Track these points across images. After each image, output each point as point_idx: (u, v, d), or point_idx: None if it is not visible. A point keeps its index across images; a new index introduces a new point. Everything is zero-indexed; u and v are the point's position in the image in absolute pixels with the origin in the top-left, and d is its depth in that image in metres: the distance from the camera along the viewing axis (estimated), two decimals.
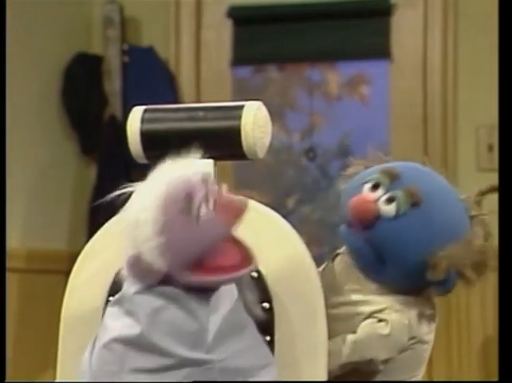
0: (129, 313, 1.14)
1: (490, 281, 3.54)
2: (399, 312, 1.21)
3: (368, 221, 1.18)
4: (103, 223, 1.33)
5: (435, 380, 2.95)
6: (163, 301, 1.12)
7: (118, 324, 1.14)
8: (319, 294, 1.25)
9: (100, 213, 2.56)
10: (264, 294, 1.24)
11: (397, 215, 1.18)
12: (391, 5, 3.26)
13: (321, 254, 3.26)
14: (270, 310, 1.24)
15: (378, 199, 1.19)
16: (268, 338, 1.23)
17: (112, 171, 3.21)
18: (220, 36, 3.40)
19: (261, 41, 3.38)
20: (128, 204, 1.15)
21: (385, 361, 1.21)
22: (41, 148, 3.20)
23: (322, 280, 1.26)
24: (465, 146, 3.18)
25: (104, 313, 1.26)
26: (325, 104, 3.38)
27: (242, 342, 1.15)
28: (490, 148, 3.16)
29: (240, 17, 3.39)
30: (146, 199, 1.14)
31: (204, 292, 1.14)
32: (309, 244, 1.30)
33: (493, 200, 3.05)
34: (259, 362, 1.16)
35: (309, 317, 1.24)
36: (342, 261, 1.27)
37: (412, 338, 1.22)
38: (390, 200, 1.19)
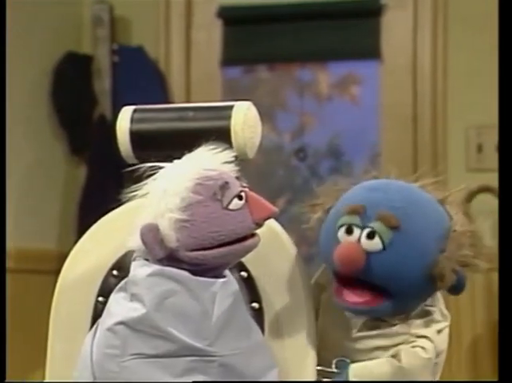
0: (135, 297, 1.14)
1: (479, 281, 3.55)
2: (423, 337, 1.20)
3: (360, 266, 1.15)
4: (92, 223, 1.33)
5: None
6: (171, 285, 1.13)
7: (123, 309, 1.14)
8: (308, 295, 1.25)
9: (89, 213, 2.55)
10: (253, 294, 1.24)
11: (385, 247, 1.15)
12: (382, 5, 3.26)
13: (311, 255, 3.26)
14: (260, 310, 1.24)
15: (358, 239, 1.17)
16: None
17: (102, 171, 3.21)
18: (210, 36, 3.40)
19: (251, 42, 3.38)
20: (157, 175, 1.16)
21: None
22: (31, 147, 3.19)
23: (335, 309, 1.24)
24: (454, 146, 3.18)
25: (93, 313, 1.26)
26: (316, 104, 3.38)
27: (247, 343, 1.16)
28: (479, 148, 3.17)
29: (230, 18, 3.38)
30: (179, 174, 1.15)
31: (211, 276, 1.14)
32: (299, 244, 1.30)
33: (481, 201, 3.05)
34: (261, 366, 1.16)
35: (299, 317, 1.24)
36: None
37: (436, 355, 1.22)
38: (371, 235, 1.16)
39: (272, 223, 1.26)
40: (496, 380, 1.37)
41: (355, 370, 1.21)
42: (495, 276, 3.03)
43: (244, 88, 3.45)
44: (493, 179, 3.07)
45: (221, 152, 1.17)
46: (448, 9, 3.20)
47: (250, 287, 1.24)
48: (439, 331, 1.22)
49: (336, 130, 3.36)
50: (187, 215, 1.12)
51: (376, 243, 1.15)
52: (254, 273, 1.25)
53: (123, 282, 1.18)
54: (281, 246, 1.26)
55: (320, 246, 1.23)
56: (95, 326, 1.19)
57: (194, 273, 1.14)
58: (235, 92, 3.39)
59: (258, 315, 1.24)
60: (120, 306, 1.15)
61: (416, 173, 1.26)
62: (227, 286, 1.16)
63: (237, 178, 1.17)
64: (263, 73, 3.46)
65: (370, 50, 3.28)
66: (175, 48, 3.40)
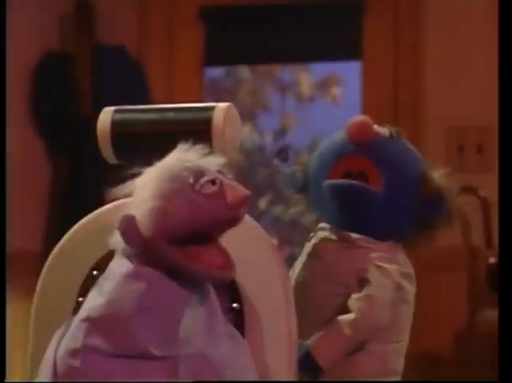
0: (104, 293, 1.14)
1: (460, 281, 3.57)
2: (381, 269, 1.28)
3: (367, 136, 1.32)
4: (74, 224, 1.33)
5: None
6: (141, 285, 1.13)
7: (91, 305, 1.14)
8: (289, 295, 1.26)
9: (70, 213, 2.54)
10: (234, 295, 1.25)
11: (391, 136, 1.34)
12: (362, 7, 3.27)
13: (293, 255, 3.25)
14: (240, 311, 1.25)
15: None
16: None
17: (83, 171, 3.20)
18: (192, 36, 3.40)
19: (233, 42, 3.38)
20: (139, 175, 1.17)
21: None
22: (12, 147, 3.18)
23: (308, 259, 1.34)
24: (434, 147, 3.20)
25: (74, 314, 1.26)
26: (297, 104, 3.39)
27: (221, 351, 1.15)
28: (460, 149, 3.18)
29: (212, 18, 3.39)
30: (158, 167, 1.16)
31: (187, 283, 1.14)
32: (281, 244, 1.31)
33: (462, 202, 3.06)
34: (237, 363, 1.16)
35: (279, 318, 1.25)
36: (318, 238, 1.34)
37: (398, 292, 1.28)
38: (382, 125, 1.34)
39: (253, 223, 1.27)
40: (496, 380, 1.38)
41: (308, 345, 1.27)
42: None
43: (226, 88, 3.46)
44: (474, 180, 3.09)
45: (203, 150, 1.18)
46: (428, 10, 3.22)
47: (230, 288, 1.24)
48: (402, 274, 1.30)
49: (318, 131, 3.37)
50: (161, 202, 1.12)
51: (384, 130, 1.35)
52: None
53: (99, 279, 1.18)
54: (262, 247, 1.27)
55: (313, 173, 1.40)
56: (64, 325, 1.19)
57: (174, 274, 1.14)
58: (217, 93, 3.40)
59: (238, 316, 1.24)
60: (89, 302, 1.15)
61: None
62: (201, 293, 1.16)
63: (221, 169, 1.17)
64: (245, 74, 3.46)
65: (351, 51, 3.29)
66: (156, 48, 3.40)
